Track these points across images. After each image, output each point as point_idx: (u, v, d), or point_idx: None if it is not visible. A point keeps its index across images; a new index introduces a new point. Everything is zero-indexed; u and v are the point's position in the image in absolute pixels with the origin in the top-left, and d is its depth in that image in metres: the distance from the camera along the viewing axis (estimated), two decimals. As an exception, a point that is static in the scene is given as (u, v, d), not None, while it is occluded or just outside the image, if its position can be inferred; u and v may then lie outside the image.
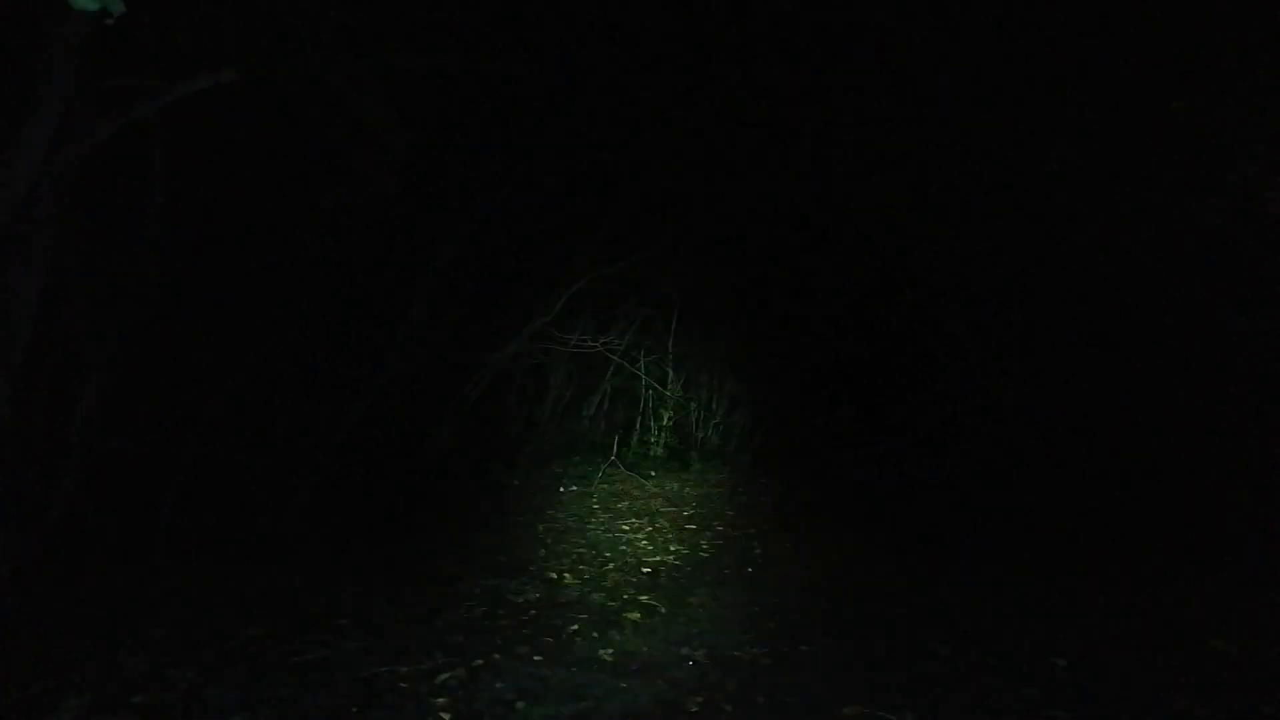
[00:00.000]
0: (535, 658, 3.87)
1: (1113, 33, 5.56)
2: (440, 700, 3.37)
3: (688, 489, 8.56)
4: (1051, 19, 5.81)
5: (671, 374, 10.36)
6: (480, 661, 3.78)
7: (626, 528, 6.66)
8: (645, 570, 5.44)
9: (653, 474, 9.21)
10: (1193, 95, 5.08)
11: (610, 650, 3.99)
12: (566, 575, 5.24)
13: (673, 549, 6.03)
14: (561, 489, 8.15)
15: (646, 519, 7.02)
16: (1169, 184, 5.50)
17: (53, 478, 4.56)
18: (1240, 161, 5.01)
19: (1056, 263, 7.35)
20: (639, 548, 6.04)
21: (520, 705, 3.36)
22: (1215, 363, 6.29)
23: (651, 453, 10.28)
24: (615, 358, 9.38)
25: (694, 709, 3.38)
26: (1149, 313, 6.73)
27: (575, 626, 4.30)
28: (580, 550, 5.89)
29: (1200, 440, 6.49)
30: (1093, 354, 7.54)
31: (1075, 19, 5.69)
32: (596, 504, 7.57)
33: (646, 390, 10.30)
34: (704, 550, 6.03)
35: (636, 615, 4.52)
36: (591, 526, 6.66)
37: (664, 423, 10.49)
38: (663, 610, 4.63)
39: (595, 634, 4.21)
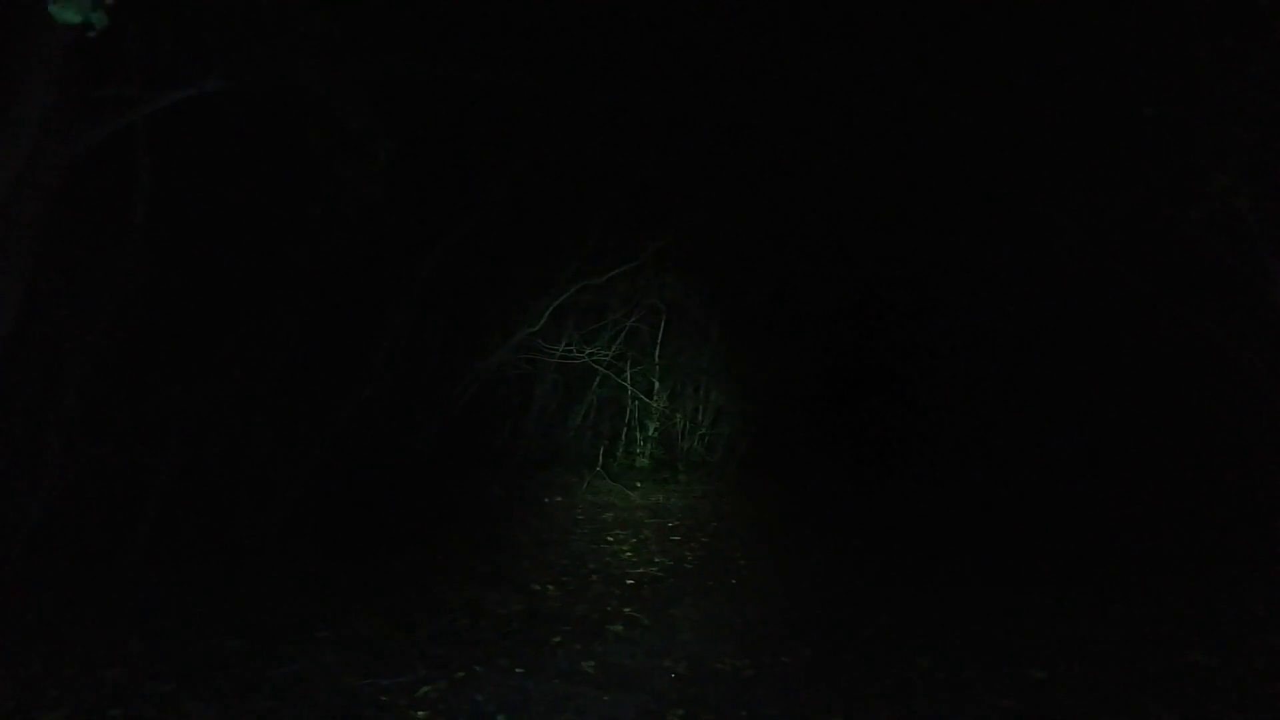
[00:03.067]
0: (517, 669, 3.86)
1: (1090, 42, 5.64)
2: (421, 713, 3.36)
3: (673, 500, 8.56)
4: (1030, 29, 5.88)
5: (657, 385, 10.36)
6: (461, 673, 3.77)
7: (611, 539, 6.66)
8: (629, 582, 5.44)
9: (638, 485, 9.20)
10: (1167, 104, 5.14)
11: (592, 662, 3.99)
12: (550, 586, 5.24)
13: (656, 560, 6.03)
14: (546, 500, 8.14)
15: (631, 530, 7.02)
16: (1147, 193, 5.56)
17: (31, 484, 4.52)
18: (1216, 170, 5.07)
19: (1037, 272, 7.41)
20: (623, 559, 6.04)
21: (501, 718, 3.35)
22: (1193, 374, 6.36)
23: (637, 464, 10.27)
24: (601, 368, 9.38)
25: (675, 721, 3.38)
26: (1128, 323, 6.79)
27: (558, 638, 4.29)
28: (564, 561, 5.88)
29: (1178, 452, 6.54)
30: (1073, 365, 7.61)
31: (1054, 29, 5.76)
32: (581, 515, 7.56)
33: (632, 401, 10.29)
34: (688, 562, 6.03)
35: (619, 627, 4.52)
36: (575, 538, 6.65)
37: (649, 434, 10.48)
38: (646, 622, 4.63)
39: (578, 645, 4.21)
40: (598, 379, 9.73)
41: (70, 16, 2.16)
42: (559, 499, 8.21)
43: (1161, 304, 6.02)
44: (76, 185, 4.37)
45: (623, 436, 10.48)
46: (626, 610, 4.82)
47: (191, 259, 5.42)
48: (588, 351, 9.12)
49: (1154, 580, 5.33)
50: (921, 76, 6.76)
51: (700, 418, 10.86)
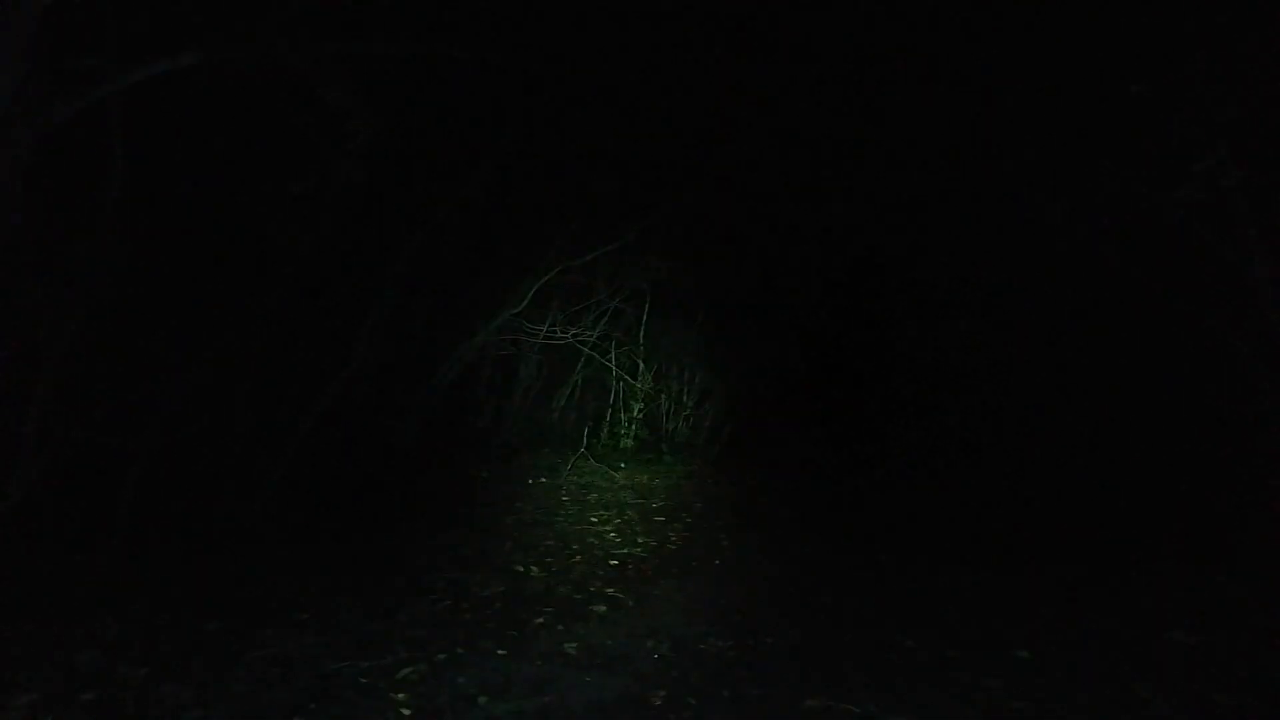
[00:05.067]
0: (499, 651, 3.84)
1: (1077, 18, 5.61)
2: (401, 695, 3.33)
3: (657, 481, 8.56)
4: (1016, 7, 5.86)
5: (642, 366, 10.34)
6: (443, 655, 3.74)
7: (595, 520, 6.64)
8: (612, 563, 5.42)
9: (622, 466, 9.19)
10: (1154, 82, 5.12)
11: (575, 643, 3.97)
12: (533, 568, 5.21)
13: (640, 541, 6.02)
14: (530, 481, 8.11)
15: (615, 511, 7.01)
16: (1132, 174, 5.55)
17: (8, 468, 4.46)
18: (1202, 151, 5.05)
19: (1022, 256, 7.41)
20: (607, 540, 6.02)
21: (482, 700, 3.33)
22: (1177, 356, 6.38)
23: (621, 445, 10.25)
24: (586, 349, 9.35)
25: (658, 702, 3.37)
26: (1113, 306, 6.81)
27: (540, 619, 4.27)
28: (548, 543, 5.86)
29: (1159, 434, 6.57)
30: (1058, 348, 7.62)
31: (1040, 5, 5.74)
32: (565, 496, 7.54)
33: (617, 382, 10.26)
34: (672, 543, 6.02)
35: (603, 608, 4.51)
36: (559, 519, 6.63)
37: (634, 415, 10.46)
38: (629, 603, 4.62)
39: (560, 627, 4.19)
40: (582, 360, 9.70)
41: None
42: (543, 480, 8.18)
43: (1147, 286, 6.02)
44: (50, 162, 4.28)
45: (607, 418, 10.46)
46: (610, 591, 4.80)
47: (169, 239, 5.33)
48: (572, 332, 9.08)
49: (1136, 562, 5.37)
50: (906, 58, 6.72)
51: (685, 399, 10.85)
